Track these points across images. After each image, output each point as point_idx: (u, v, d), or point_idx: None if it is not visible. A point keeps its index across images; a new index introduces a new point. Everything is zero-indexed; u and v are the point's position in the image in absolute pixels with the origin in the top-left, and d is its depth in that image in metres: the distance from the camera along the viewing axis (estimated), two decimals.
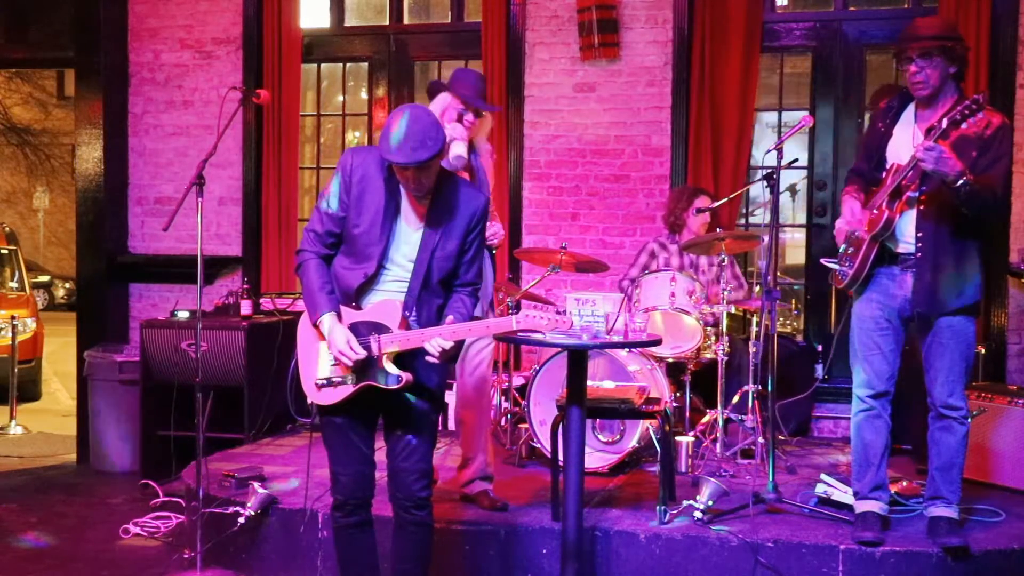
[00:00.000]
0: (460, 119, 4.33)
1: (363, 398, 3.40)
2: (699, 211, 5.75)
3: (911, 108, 4.06)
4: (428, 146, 3.23)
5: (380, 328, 3.35)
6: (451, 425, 5.98)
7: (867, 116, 6.26)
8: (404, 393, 3.41)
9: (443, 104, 4.34)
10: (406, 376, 3.35)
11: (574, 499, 3.77)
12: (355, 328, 3.36)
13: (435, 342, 3.28)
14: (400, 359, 3.38)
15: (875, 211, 3.97)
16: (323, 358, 3.42)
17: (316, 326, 3.39)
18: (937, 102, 3.96)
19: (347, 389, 3.39)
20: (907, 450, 5.23)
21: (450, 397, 5.74)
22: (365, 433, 3.52)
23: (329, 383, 3.41)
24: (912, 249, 3.95)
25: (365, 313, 3.39)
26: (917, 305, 3.95)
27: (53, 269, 23.70)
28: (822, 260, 4.56)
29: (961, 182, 3.72)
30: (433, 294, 3.43)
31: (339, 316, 3.37)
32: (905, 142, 3.96)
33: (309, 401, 3.48)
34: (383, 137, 3.28)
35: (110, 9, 6.94)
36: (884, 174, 4.01)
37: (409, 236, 3.41)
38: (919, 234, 3.92)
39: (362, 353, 3.32)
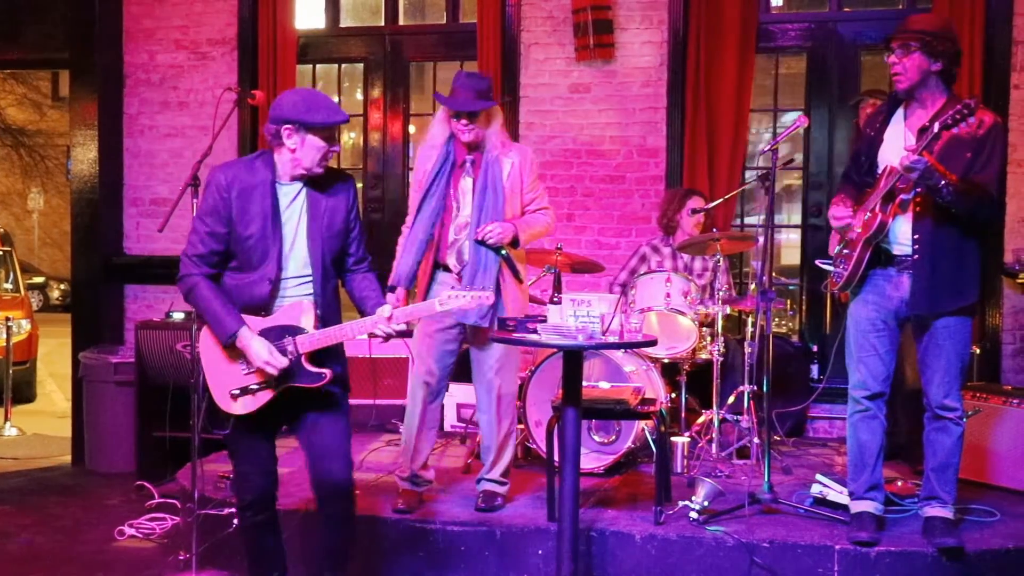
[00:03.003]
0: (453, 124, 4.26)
1: (271, 399, 3.44)
2: (694, 212, 5.75)
3: (900, 110, 4.07)
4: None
5: (292, 330, 3.38)
6: (449, 424, 5.97)
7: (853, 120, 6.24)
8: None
9: (441, 114, 4.29)
10: (328, 372, 3.41)
11: (570, 500, 3.77)
12: (265, 334, 3.38)
13: (382, 328, 3.38)
14: (314, 354, 3.42)
15: (868, 214, 3.97)
16: (234, 367, 3.43)
17: (225, 343, 3.39)
18: (925, 101, 3.96)
19: (268, 394, 3.41)
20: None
21: (458, 392, 5.75)
22: (271, 432, 3.60)
23: (246, 391, 3.41)
24: (908, 251, 3.94)
25: (273, 318, 3.42)
26: (914, 307, 3.95)
27: (48, 270, 23.65)
28: (817, 261, 4.56)
29: (943, 183, 3.73)
30: (329, 276, 3.51)
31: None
32: (896, 144, 3.96)
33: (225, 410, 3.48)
34: (309, 108, 3.34)
35: (105, 10, 6.91)
36: (877, 177, 4.00)
37: (297, 229, 3.45)
38: (916, 236, 3.92)
39: (286, 361, 3.35)
